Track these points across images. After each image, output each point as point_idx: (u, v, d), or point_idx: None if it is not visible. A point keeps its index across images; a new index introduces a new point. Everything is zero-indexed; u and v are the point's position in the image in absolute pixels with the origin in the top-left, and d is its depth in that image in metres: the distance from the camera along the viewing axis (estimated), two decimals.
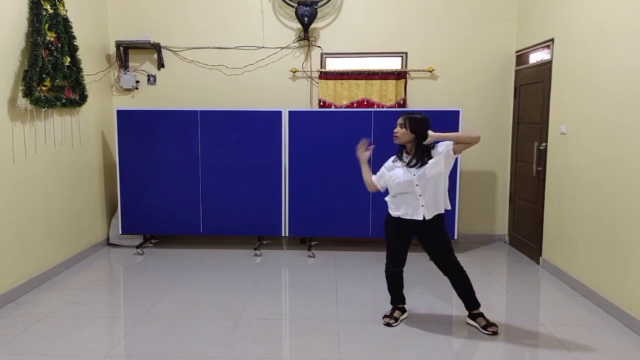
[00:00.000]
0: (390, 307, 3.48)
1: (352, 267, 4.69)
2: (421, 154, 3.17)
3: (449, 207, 3.28)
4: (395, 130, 3.19)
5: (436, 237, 3.26)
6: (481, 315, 3.31)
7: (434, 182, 3.15)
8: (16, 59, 3.88)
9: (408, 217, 3.20)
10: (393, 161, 3.30)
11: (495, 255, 5.14)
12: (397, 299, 3.46)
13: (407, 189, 3.17)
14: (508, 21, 5.37)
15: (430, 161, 3.14)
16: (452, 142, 3.15)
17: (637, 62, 3.30)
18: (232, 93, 5.55)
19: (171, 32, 5.53)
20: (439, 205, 3.20)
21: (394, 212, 3.28)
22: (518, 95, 5.32)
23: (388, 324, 3.35)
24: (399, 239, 3.34)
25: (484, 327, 3.24)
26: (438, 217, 3.22)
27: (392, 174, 3.24)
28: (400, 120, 3.19)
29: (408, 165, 3.17)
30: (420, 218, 3.17)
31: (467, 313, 3.38)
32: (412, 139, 3.16)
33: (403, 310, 3.47)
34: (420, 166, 3.14)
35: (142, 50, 5.56)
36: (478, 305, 3.33)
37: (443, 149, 3.15)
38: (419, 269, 4.58)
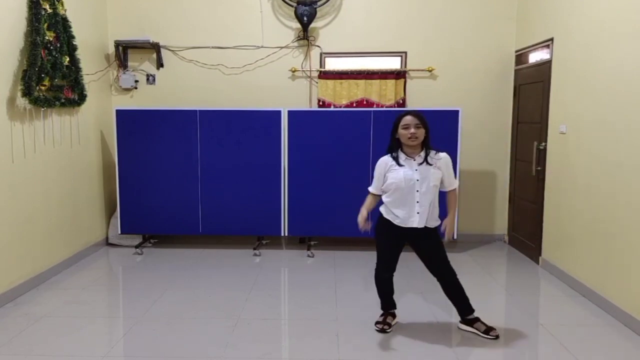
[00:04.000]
0: (381, 312, 3.42)
1: (351, 267, 4.69)
2: (427, 153, 3.13)
3: (438, 223, 3.22)
4: (414, 131, 3.04)
5: (430, 243, 3.19)
6: (478, 320, 3.26)
7: (432, 192, 3.09)
8: (15, 58, 3.87)
9: (402, 225, 3.13)
10: (393, 164, 3.14)
11: (494, 255, 5.14)
12: (388, 304, 3.41)
13: (406, 189, 3.09)
14: (508, 21, 5.37)
15: (433, 168, 3.09)
16: (450, 176, 3.17)
17: (637, 61, 3.30)
18: (231, 93, 5.55)
19: (170, 31, 5.52)
20: (433, 216, 3.14)
21: (387, 214, 3.19)
22: (517, 95, 5.31)
23: (382, 330, 3.28)
24: (392, 244, 3.26)
25: (485, 332, 3.19)
26: (432, 228, 3.16)
27: (392, 175, 3.13)
28: (415, 121, 3.06)
29: (420, 164, 3.09)
30: (415, 226, 3.10)
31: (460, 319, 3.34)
32: (425, 137, 3.12)
33: (394, 315, 3.42)
34: (425, 167, 3.09)
35: (142, 50, 5.55)
36: (472, 310, 3.28)
37: (443, 168, 3.12)
38: (417, 270, 4.58)
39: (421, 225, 3.11)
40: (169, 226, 5.17)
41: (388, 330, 3.29)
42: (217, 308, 3.68)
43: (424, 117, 3.11)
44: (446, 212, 3.26)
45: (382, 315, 3.39)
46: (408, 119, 3.09)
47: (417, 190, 3.08)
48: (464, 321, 3.30)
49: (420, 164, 3.10)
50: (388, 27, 5.45)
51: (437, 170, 3.11)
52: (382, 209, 3.25)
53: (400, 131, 3.10)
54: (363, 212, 3.24)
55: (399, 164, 3.13)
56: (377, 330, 3.29)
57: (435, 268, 3.25)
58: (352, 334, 3.24)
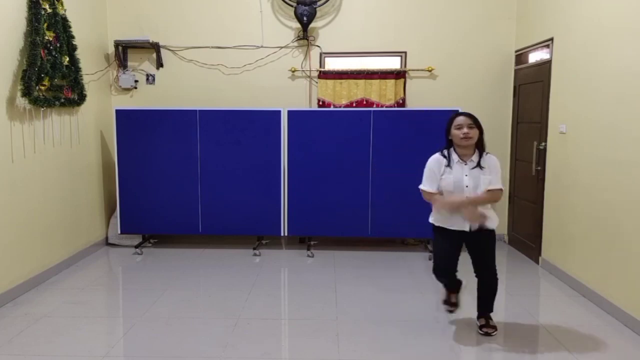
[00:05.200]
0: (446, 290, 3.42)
1: (351, 267, 4.68)
2: (480, 156, 3.06)
3: (495, 226, 3.14)
4: (467, 131, 2.99)
5: (480, 245, 3.15)
6: (484, 315, 3.29)
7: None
8: (15, 58, 3.87)
9: (451, 228, 3.10)
10: (445, 165, 3.08)
11: None
12: (451, 286, 3.38)
13: (455, 194, 3.04)
14: (507, 21, 5.36)
15: (483, 174, 3.03)
16: (495, 182, 3.03)
17: (637, 61, 3.30)
18: (231, 92, 5.54)
19: (170, 31, 5.52)
20: (485, 219, 3.07)
21: (436, 221, 3.16)
22: (517, 95, 5.31)
23: (450, 311, 3.41)
24: (445, 247, 3.18)
25: (480, 327, 3.24)
26: (487, 232, 3.11)
27: (443, 179, 3.07)
28: (468, 121, 3.01)
29: (473, 169, 3.03)
30: (466, 229, 3.06)
31: (468, 314, 3.37)
32: (478, 138, 3.06)
33: (457, 290, 3.41)
34: (476, 172, 3.03)
35: (141, 50, 5.55)
36: (491, 311, 3.29)
37: (492, 170, 3.04)
38: (419, 270, 4.58)
39: (473, 229, 3.06)
40: (168, 226, 5.16)
41: (454, 311, 3.41)
42: (217, 308, 3.67)
43: (477, 118, 3.07)
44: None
45: (446, 294, 3.44)
46: (461, 119, 3.04)
47: (467, 197, 3.02)
48: (480, 316, 3.32)
49: (473, 168, 3.04)
50: (388, 27, 5.45)
51: (486, 176, 3.03)
52: (431, 219, 3.22)
53: (454, 131, 3.05)
54: (455, 201, 3.04)
55: (450, 166, 3.07)
56: (447, 311, 3.44)
57: (480, 268, 3.23)
58: (352, 334, 3.24)
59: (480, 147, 3.09)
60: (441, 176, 3.08)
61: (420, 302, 3.80)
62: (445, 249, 3.18)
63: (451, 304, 3.41)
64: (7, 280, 3.77)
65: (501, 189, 3.07)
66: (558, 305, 3.79)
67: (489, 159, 3.09)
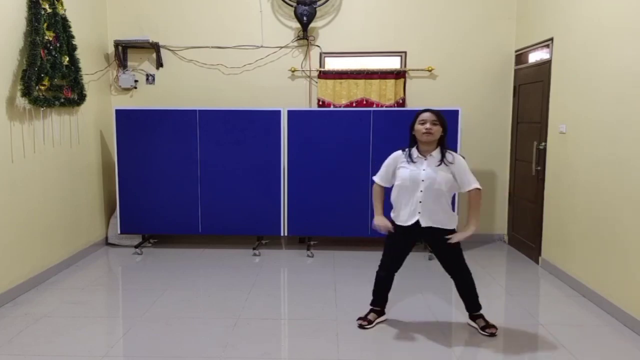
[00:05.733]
0: (369, 307, 3.42)
1: (351, 267, 4.68)
2: (444, 153, 3.10)
3: (454, 226, 3.20)
4: (429, 127, 3.04)
5: (442, 244, 3.17)
6: (481, 316, 3.30)
7: (438, 194, 3.07)
8: (14, 58, 3.87)
9: (403, 224, 3.15)
10: (404, 160, 3.16)
11: (494, 255, 5.13)
12: (376, 301, 3.41)
13: (410, 188, 3.10)
14: (507, 21, 5.36)
15: (442, 170, 3.06)
16: (465, 177, 3.08)
17: (637, 61, 3.30)
18: (231, 92, 5.54)
19: (170, 31, 5.52)
20: (442, 218, 3.12)
21: (394, 218, 3.22)
22: (517, 95, 5.31)
23: (360, 326, 3.30)
24: (395, 243, 3.27)
25: (483, 328, 3.23)
26: (444, 231, 3.14)
27: (400, 172, 3.15)
28: (432, 117, 3.07)
29: (430, 165, 3.07)
30: (414, 222, 3.10)
31: (467, 314, 3.37)
32: (441, 136, 3.11)
33: (380, 314, 3.41)
34: (434, 168, 3.07)
35: (141, 50, 5.55)
36: (479, 308, 3.31)
37: (456, 169, 3.07)
38: (419, 270, 4.58)
39: (424, 225, 3.10)
40: (168, 226, 5.16)
41: (367, 327, 3.30)
42: (217, 308, 3.67)
43: (443, 117, 3.11)
44: (452, 209, 3.24)
45: (368, 312, 3.41)
46: (426, 115, 3.10)
47: (421, 191, 3.07)
48: (470, 317, 3.34)
49: (433, 164, 3.08)
50: (388, 27, 5.45)
51: (446, 173, 3.06)
52: (391, 213, 3.26)
53: (417, 126, 3.11)
54: (379, 220, 3.24)
55: (409, 161, 3.13)
56: (358, 326, 3.32)
57: (448, 268, 3.27)
58: (352, 334, 3.24)
59: (442, 145, 3.13)
60: (397, 170, 3.16)
61: (420, 302, 3.79)
62: (398, 242, 3.25)
63: (367, 320, 3.34)
64: (7, 280, 3.77)
65: (479, 188, 3.09)
66: (558, 305, 3.79)
67: (457, 159, 3.11)
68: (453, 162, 3.09)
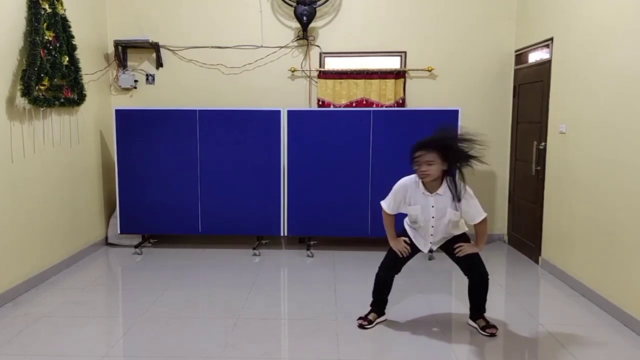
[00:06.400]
0: (370, 308, 3.43)
1: (351, 267, 4.68)
2: (454, 189, 2.98)
3: (464, 230, 3.23)
4: (424, 170, 2.90)
5: (459, 247, 3.17)
6: (482, 317, 3.30)
7: (449, 225, 3.09)
8: (14, 58, 3.86)
9: (416, 244, 3.24)
10: (413, 194, 3.07)
11: (494, 255, 5.13)
12: (376, 302, 3.42)
13: (422, 223, 3.13)
14: (507, 21, 5.36)
15: (450, 207, 3.01)
16: (471, 212, 3.04)
17: (637, 61, 3.30)
18: (230, 92, 5.54)
19: (170, 31, 5.51)
20: (450, 234, 3.18)
21: (409, 230, 3.27)
22: (517, 95, 5.31)
23: (360, 326, 3.30)
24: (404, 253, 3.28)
25: (483, 329, 3.22)
26: (456, 238, 3.19)
27: (410, 209, 3.11)
28: (426, 157, 2.88)
29: (439, 201, 3.02)
30: (426, 251, 3.25)
31: (467, 314, 3.37)
32: (444, 170, 2.97)
33: (380, 314, 3.41)
34: (443, 205, 3.03)
35: (141, 50, 5.55)
36: (483, 312, 3.30)
37: (464, 206, 3.00)
38: (419, 270, 4.58)
39: (434, 248, 3.24)
40: (168, 226, 5.16)
41: (367, 327, 3.30)
42: (217, 308, 3.67)
43: (444, 141, 2.94)
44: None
45: (368, 312, 3.42)
46: (418, 154, 2.93)
47: (432, 226, 3.12)
48: (471, 317, 3.34)
49: (440, 202, 3.02)
50: (387, 27, 5.45)
51: (454, 210, 3.02)
52: (405, 224, 3.31)
53: (414, 164, 3.00)
54: (394, 243, 3.25)
55: (418, 193, 3.07)
56: (358, 326, 3.32)
57: (463, 271, 3.27)
58: (352, 334, 3.24)
59: (449, 176, 3.01)
60: (408, 204, 3.11)
61: (420, 302, 3.79)
62: (401, 255, 3.27)
63: (367, 320, 3.34)
64: (7, 280, 3.77)
65: (486, 218, 3.08)
66: (558, 305, 3.79)
67: (464, 195, 3.00)
68: (460, 199, 3.00)
